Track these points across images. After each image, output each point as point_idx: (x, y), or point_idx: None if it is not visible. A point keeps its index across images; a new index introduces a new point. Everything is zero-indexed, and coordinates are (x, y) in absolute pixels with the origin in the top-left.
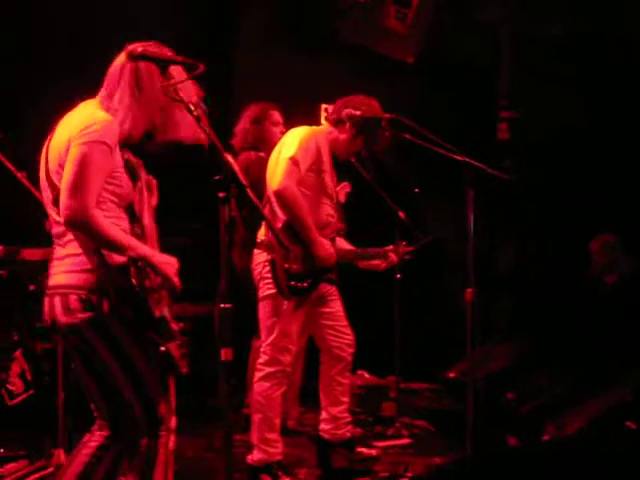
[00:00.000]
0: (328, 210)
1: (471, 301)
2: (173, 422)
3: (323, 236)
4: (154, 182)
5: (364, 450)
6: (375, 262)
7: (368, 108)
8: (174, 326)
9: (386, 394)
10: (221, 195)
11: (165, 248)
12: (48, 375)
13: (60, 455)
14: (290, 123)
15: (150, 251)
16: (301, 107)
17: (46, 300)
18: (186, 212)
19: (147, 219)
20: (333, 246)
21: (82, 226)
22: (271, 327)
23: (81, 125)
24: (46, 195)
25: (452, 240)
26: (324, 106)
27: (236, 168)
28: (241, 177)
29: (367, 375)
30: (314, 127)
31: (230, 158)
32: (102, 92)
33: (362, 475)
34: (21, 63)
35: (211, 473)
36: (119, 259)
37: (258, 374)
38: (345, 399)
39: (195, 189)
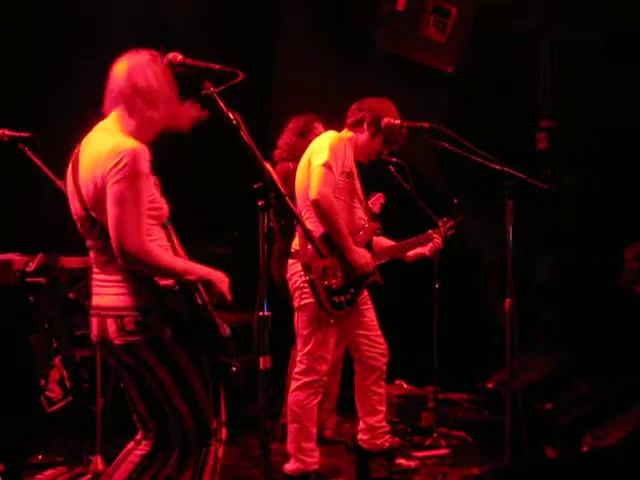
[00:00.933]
0: (360, 214)
1: (510, 311)
2: (224, 434)
3: (359, 241)
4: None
5: (404, 461)
6: (420, 250)
7: (387, 110)
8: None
9: (424, 404)
10: (260, 203)
11: (204, 257)
12: (86, 382)
13: (98, 461)
14: None
15: (206, 270)
16: (341, 117)
17: (94, 320)
18: (225, 221)
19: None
20: (369, 251)
21: (140, 264)
22: (307, 337)
23: (111, 161)
24: (81, 223)
25: (491, 250)
26: None
27: (275, 177)
28: (280, 186)
29: (405, 385)
30: (340, 133)
31: (269, 167)
32: (114, 109)
33: None
34: (54, 65)
35: None
36: (168, 281)
37: (294, 383)
38: (382, 408)
39: (234, 198)
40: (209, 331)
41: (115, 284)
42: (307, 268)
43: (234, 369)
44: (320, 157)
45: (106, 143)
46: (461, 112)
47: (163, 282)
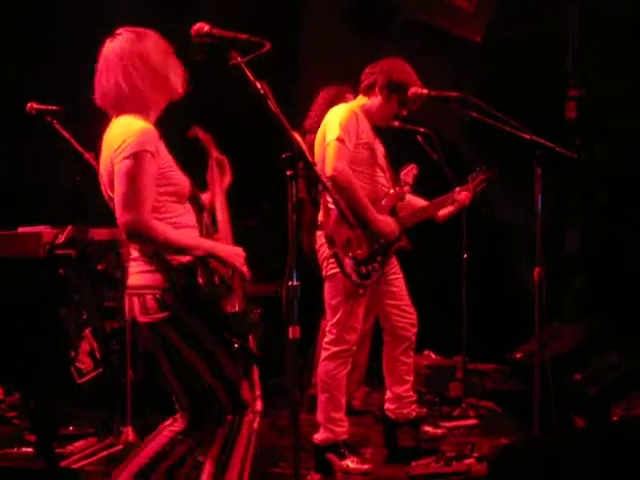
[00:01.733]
0: (382, 182)
1: (539, 280)
2: (259, 405)
3: (382, 207)
4: (226, 161)
5: (430, 429)
6: (450, 208)
7: (402, 73)
8: (253, 316)
9: (453, 374)
10: (289, 173)
11: (233, 229)
12: (116, 354)
13: (128, 432)
14: None
15: (215, 245)
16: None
17: (126, 299)
18: (255, 192)
19: (218, 201)
20: (393, 217)
21: (142, 238)
22: (336, 306)
23: (117, 142)
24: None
25: (519, 220)
26: None
27: (303, 146)
28: (308, 156)
29: (433, 355)
30: (350, 103)
31: (297, 136)
32: (117, 93)
33: (428, 455)
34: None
35: (276, 452)
36: (183, 258)
37: (324, 353)
38: (409, 378)
39: (263, 169)
40: (209, 308)
41: (136, 263)
42: (330, 241)
43: (235, 346)
44: (332, 132)
45: (116, 128)
46: (489, 81)
47: (177, 260)
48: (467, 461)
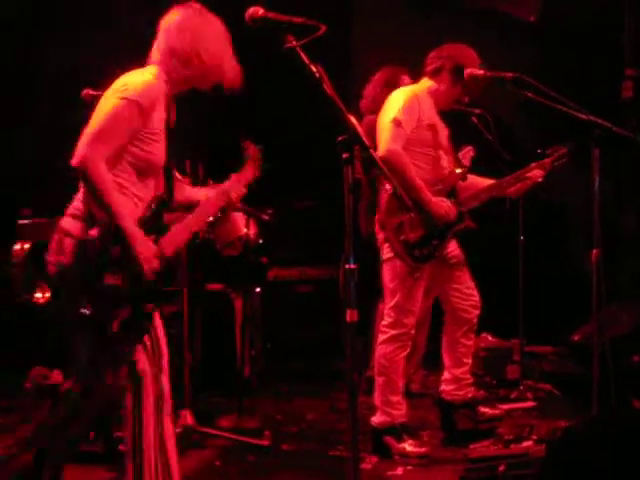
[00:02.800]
0: (445, 164)
1: (597, 262)
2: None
3: (441, 189)
4: (255, 151)
5: (487, 410)
6: (520, 185)
7: (467, 56)
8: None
9: (510, 357)
10: (345, 156)
11: (289, 211)
12: (174, 338)
13: (187, 416)
14: None
15: (134, 231)
16: (421, 69)
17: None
18: (310, 175)
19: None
20: (452, 199)
21: (85, 177)
22: (394, 290)
23: (120, 82)
24: None
25: (576, 201)
26: None
27: (359, 129)
28: (364, 138)
29: (491, 338)
30: (414, 86)
31: (353, 119)
32: (161, 53)
33: (486, 437)
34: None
35: (334, 434)
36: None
37: (382, 336)
38: (468, 360)
39: (319, 152)
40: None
41: (72, 204)
42: (381, 224)
43: (84, 311)
44: (390, 113)
45: (131, 73)
46: (545, 61)
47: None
48: (525, 443)
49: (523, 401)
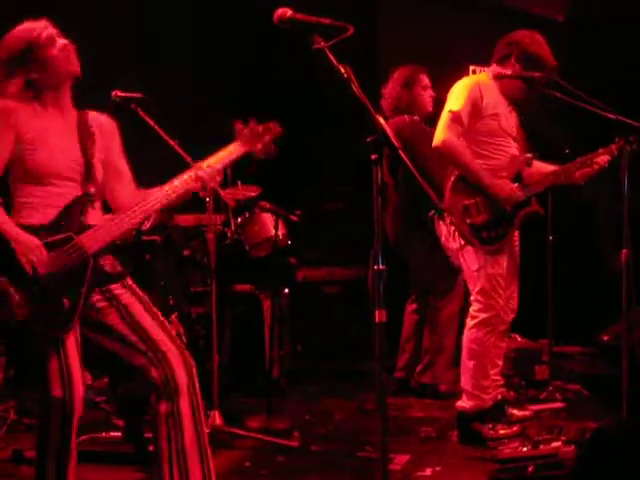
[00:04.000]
0: (511, 150)
1: (626, 262)
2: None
3: (507, 174)
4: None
5: (516, 412)
6: (587, 169)
7: (538, 46)
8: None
9: (539, 357)
10: (373, 157)
11: (317, 212)
12: (202, 338)
13: (216, 416)
14: (437, 84)
15: (10, 227)
16: (447, 68)
17: None
18: (337, 176)
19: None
20: (520, 185)
21: None
22: (477, 275)
23: None
24: None
25: (606, 201)
26: (472, 67)
27: (388, 130)
28: (393, 139)
29: (520, 338)
30: (479, 74)
31: (382, 120)
32: None
33: (515, 438)
34: None
35: (362, 435)
36: None
37: (471, 322)
38: (499, 362)
39: (346, 153)
40: None
41: None
42: (448, 211)
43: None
44: (448, 104)
45: None
46: (573, 63)
47: None
48: (554, 444)
49: (552, 402)
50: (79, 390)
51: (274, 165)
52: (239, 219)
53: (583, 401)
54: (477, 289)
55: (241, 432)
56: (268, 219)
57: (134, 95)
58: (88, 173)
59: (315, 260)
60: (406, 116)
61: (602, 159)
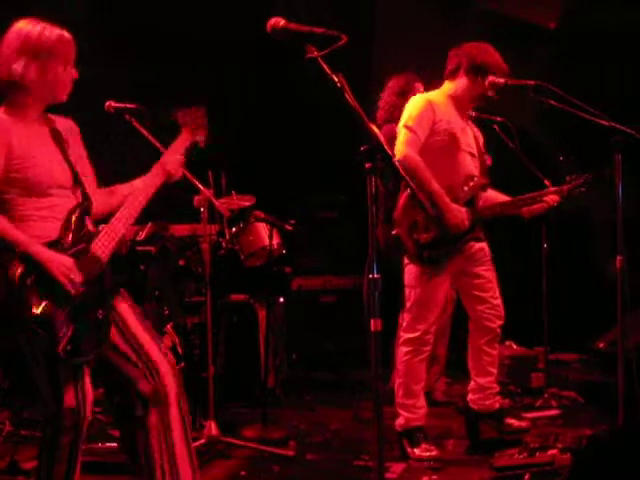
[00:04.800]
0: (468, 167)
1: (621, 268)
2: (66, 420)
3: (460, 196)
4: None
5: (514, 422)
6: (537, 206)
7: (485, 54)
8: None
9: (534, 365)
10: (368, 165)
11: (309, 221)
12: (198, 348)
13: (211, 427)
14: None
15: (39, 248)
16: (441, 76)
17: None
18: (331, 185)
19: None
20: (470, 207)
21: None
22: (409, 294)
23: None
24: None
25: (600, 208)
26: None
27: (382, 138)
28: (387, 147)
29: (515, 346)
30: (432, 92)
31: (375, 128)
32: None
33: (511, 446)
34: None
35: (358, 444)
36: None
37: (399, 340)
38: (493, 370)
39: (339, 162)
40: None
41: None
42: (396, 223)
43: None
44: (403, 119)
45: None
46: (565, 72)
47: None
48: (551, 452)
49: (548, 409)
50: (90, 392)
51: (268, 174)
52: (234, 229)
53: (579, 408)
54: (407, 307)
55: (237, 442)
56: (263, 229)
57: (128, 106)
58: (75, 179)
59: (310, 269)
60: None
61: (552, 198)
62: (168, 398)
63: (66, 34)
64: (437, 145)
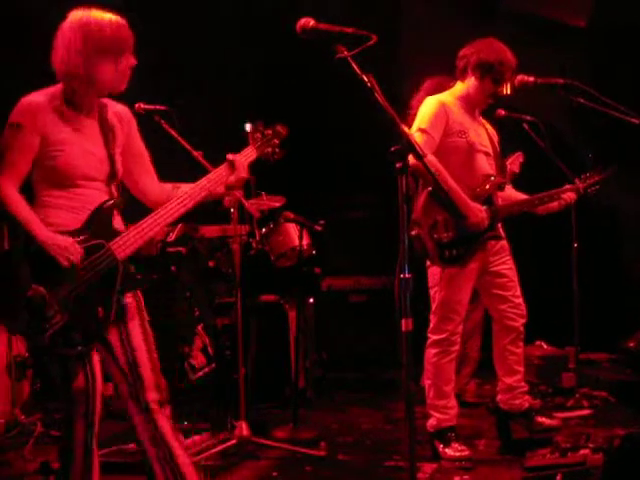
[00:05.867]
0: (483, 169)
1: None
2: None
3: (478, 194)
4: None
5: (545, 420)
6: (552, 205)
7: (490, 52)
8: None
9: (565, 365)
10: (398, 165)
11: (341, 222)
12: (229, 349)
13: (243, 427)
14: None
15: (40, 231)
16: None
17: None
18: (362, 185)
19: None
20: (489, 206)
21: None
22: (434, 295)
23: None
24: None
25: (630, 207)
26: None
27: (413, 138)
28: (418, 147)
29: (545, 346)
30: (442, 94)
31: (406, 128)
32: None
33: (542, 446)
34: None
35: (389, 444)
36: None
37: (428, 341)
38: (520, 368)
39: (370, 161)
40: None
41: None
42: (416, 223)
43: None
44: (416, 123)
45: None
46: (597, 71)
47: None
48: (582, 452)
49: (579, 409)
50: (100, 384)
51: (298, 175)
52: (264, 230)
53: (610, 408)
54: (432, 309)
55: (268, 442)
56: (292, 229)
57: (158, 107)
58: (112, 172)
59: (340, 269)
60: None
61: (569, 196)
62: (149, 404)
63: (124, 24)
64: (452, 146)
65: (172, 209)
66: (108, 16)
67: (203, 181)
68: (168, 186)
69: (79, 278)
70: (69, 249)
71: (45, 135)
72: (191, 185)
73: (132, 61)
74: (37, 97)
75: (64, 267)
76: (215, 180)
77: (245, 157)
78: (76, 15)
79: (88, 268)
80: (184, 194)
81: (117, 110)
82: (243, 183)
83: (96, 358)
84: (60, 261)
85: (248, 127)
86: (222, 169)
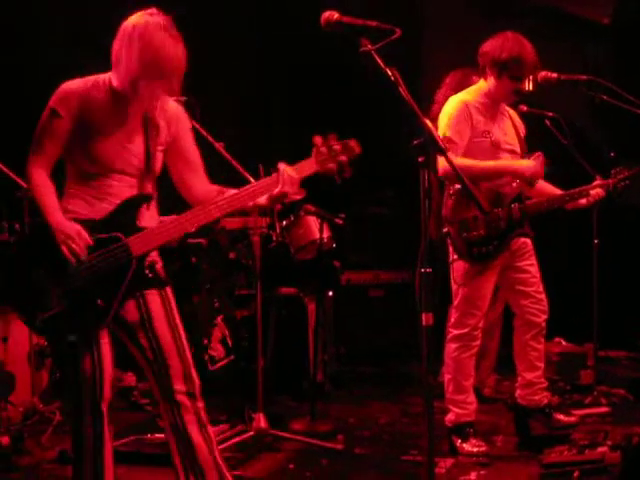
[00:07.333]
0: None
1: None
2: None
3: (509, 192)
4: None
5: (562, 417)
6: (582, 201)
7: (504, 49)
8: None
9: (584, 362)
10: (420, 159)
11: (360, 216)
12: (247, 341)
13: (260, 419)
14: None
15: (52, 217)
16: None
17: None
18: (382, 179)
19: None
20: (520, 206)
21: (26, 178)
22: (457, 290)
23: None
24: None
25: None
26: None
27: (435, 132)
28: (439, 141)
29: (564, 342)
30: (464, 92)
31: (429, 122)
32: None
33: (560, 443)
34: None
35: (407, 438)
36: None
37: (447, 336)
38: (540, 364)
39: (388, 157)
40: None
41: None
42: (447, 220)
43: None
44: (441, 127)
45: None
46: (620, 67)
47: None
48: (600, 449)
49: (597, 406)
50: (109, 371)
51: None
52: (284, 222)
53: (629, 406)
54: (455, 304)
55: (285, 435)
56: (313, 222)
57: (179, 98)
58: (148, 168)
59: (359, 263)
60: None
61: (598, 192)
62: (177, 399)
63: (183, 53)
64: (478, 147)
65: (206, 212)
66: (170, 42)
67: (246, 190)
68: (214, 189)
69: (80, 267)
70: (73, 237)
71: (81, 122)
72: (234, 191)
73: (176, 86)
74: (77, 84)
75: (63, 254)
76: (259, 191)
77: (299, 170)
78: (142, 22)
79: (95, 259)
80: (222, 200)
81: (168, 107)
82: (286, 199)
83: (106, 346)
84: (61, 248)
85: (318, 140)
86: (270, 179)
